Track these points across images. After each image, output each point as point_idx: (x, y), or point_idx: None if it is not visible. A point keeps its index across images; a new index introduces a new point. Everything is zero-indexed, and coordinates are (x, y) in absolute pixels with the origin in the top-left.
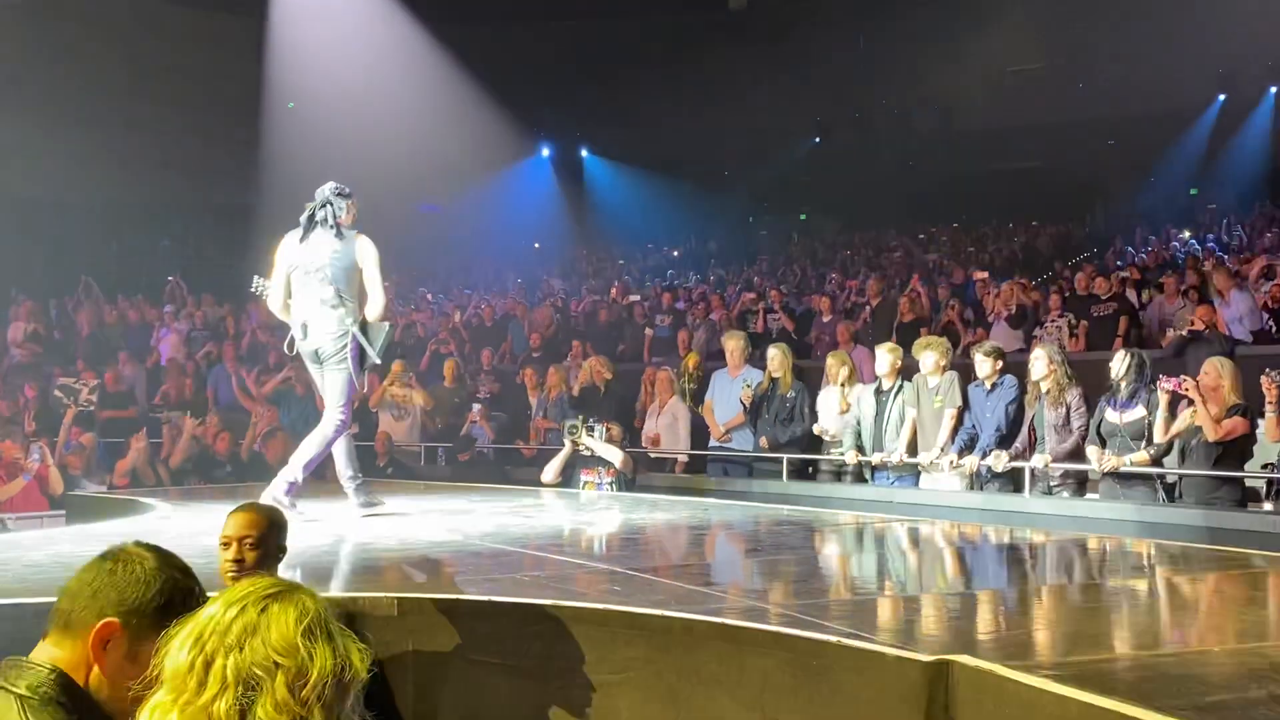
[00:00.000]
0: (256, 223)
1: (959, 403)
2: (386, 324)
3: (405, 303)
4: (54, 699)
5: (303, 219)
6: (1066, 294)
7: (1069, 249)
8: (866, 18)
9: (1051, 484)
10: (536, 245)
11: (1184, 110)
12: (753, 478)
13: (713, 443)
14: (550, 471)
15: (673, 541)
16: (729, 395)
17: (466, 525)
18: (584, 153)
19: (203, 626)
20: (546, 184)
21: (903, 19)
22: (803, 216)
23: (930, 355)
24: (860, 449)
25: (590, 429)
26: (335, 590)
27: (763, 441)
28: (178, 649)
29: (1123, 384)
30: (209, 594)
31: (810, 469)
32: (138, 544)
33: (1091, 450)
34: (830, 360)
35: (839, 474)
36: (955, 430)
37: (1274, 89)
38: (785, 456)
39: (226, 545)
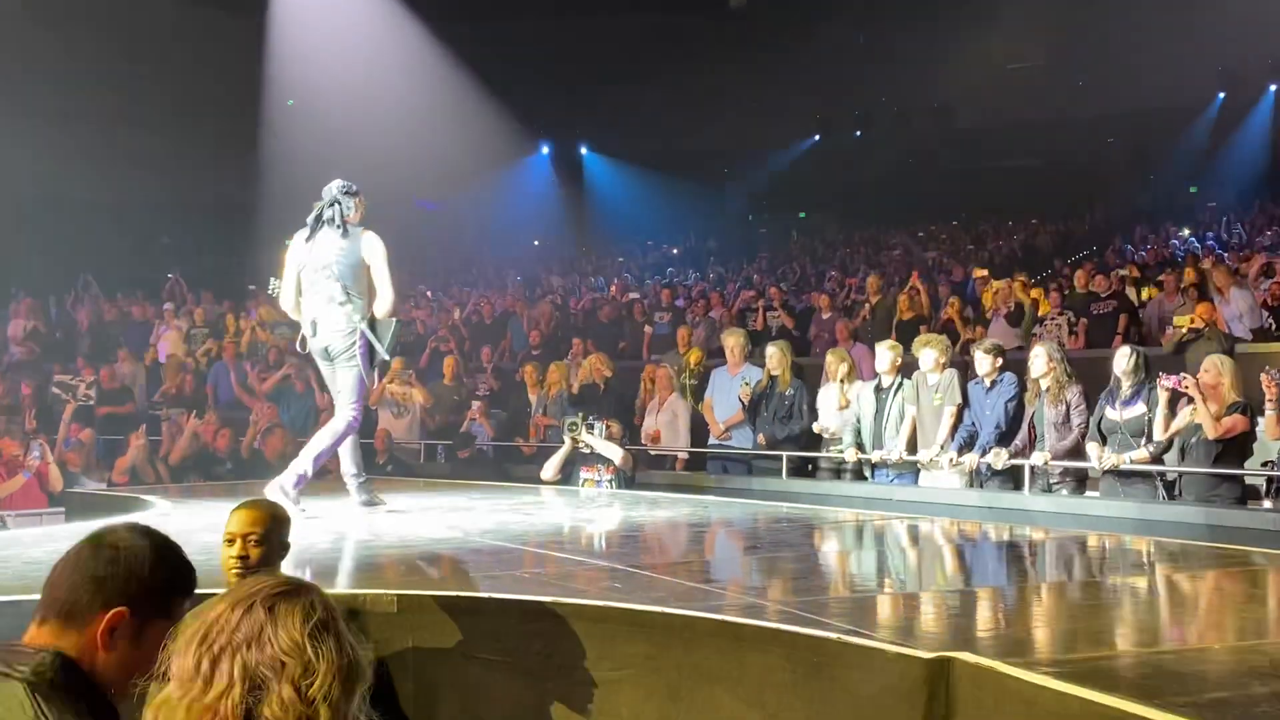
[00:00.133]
0: (256, 220)
1: (959, 400)
2: (395, 320)
3: (404, 300)
4: (61, 684)
5: (310, 218)
6: (1066, 292)
7: (1069, 246)
8: (866, 15)
9: (1051, 481)
10: (536, 242)
11: (1184, 108)
12: (752, 475)
13: (712, 440)
14: (550, 469)
15: (672, 539)
16: (728, 393)
17: (466, 522)
18: (584, 150)
19: (209, 625)
20: (546, 181)
21: (902, 17)
22: (802, 214)
23: (930, 353)
24: (860, 446)
25: (590, 426)
26: (336, 587)
27: (761, 439)
28: (185, 647)
29: (1126, 381)
30: (214, 591)
31: (810, 466)
32: (126, 527)
33: (1092, 448)
34: (830, 357)
35: (839, 471)
36: (955, 428)
37: (1274, 87)
38: (785, 454)
39: (230, 542)
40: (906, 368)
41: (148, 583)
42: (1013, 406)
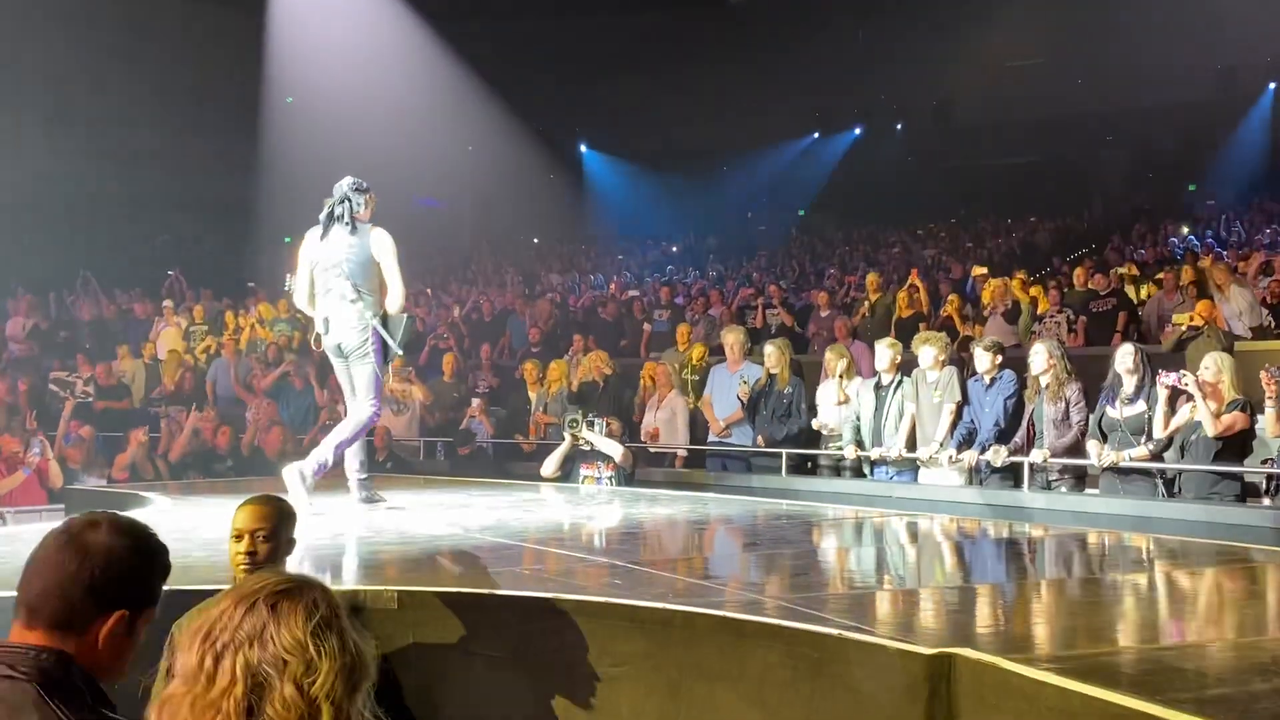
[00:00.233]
0: (256, 218)
1: (958, 398)
2: (406, 316)
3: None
4: (69, 684)
5: (322, 215)
6: (1065, 289)
7: (1068, 244)
8: (865, 13)
9: (1050, 479)
10: (536, 240)
11: (1183, 106)
12: (751, 472)
13: (711, 437)
14: (550, 465)
15: (672, 536)
16: (727, 390)
17: (466, 519)
18: (583, 148)
19: (213, 622)
20: (546, 179)
21: (901, 14)
22: (801, 212)
23: (929, 350)
24: (859, 444)
25: (591, 423)
26: (336, 584)
27: (760, 441)
28: (188, 644)
29: (1128, 379)
30: (219, 588)
31: (809, 464)
32: (104, 527)
33: (1092, 445)
34: (828, 354)
35: (838, 469)
36: (954, 425)
37: (1273, 85)
38: (784, 452)
39: (239, 538)
40: (906, 365)
41: (138, 581)
42: (1012, 404)
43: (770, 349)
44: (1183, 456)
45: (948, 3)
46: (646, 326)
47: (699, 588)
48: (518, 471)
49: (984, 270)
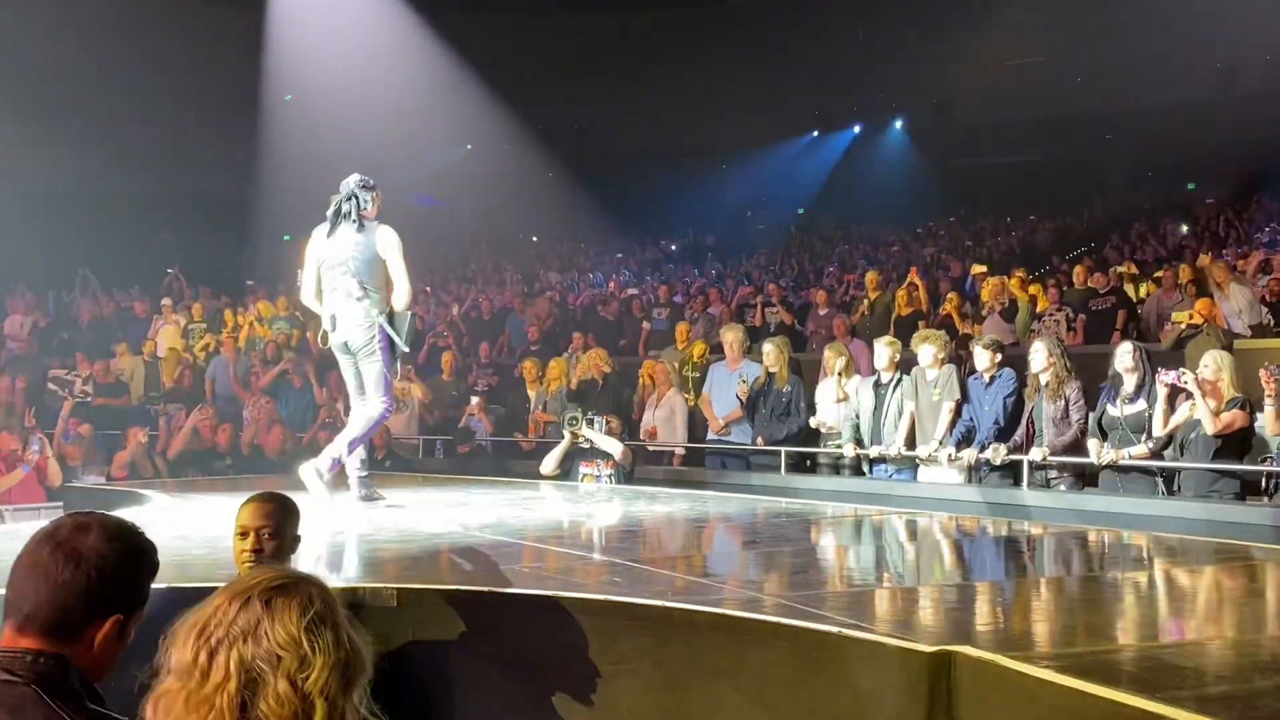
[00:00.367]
0: (254, 216)
1: (957, 396)
2: (410, 313)
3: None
4: (66, 686)
5: (329, 213)
6: (1064, 288)
7: (1067, 243)
8: (865, 11)
9: (1049, 477)
10: (535, 239)
11: (1182, 104)
12: (751, 470)
13: (711, 435)
14: (549, 463)
15: (672, 533)
16: (726, 388)
17: (466, 517)
18: (583, 146)
19: (207, 619)
20: (545, 177)
21: (901, 12)
22: (800, 210)
23: (928, 348)
24: (859, 442)
25: (590, 421)
26: (336, 581)
27: (760, 441)
28: (183, 640)
29: (1128, 377)
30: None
31: (808, 462)
32: (99, 531)
33: (1092, 443)
34: (827, 352)
35: (837, 467)
36: (953, 423)
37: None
38: (783, 449)
39: (244, 535)
40: (905, 363)
41: (131, 585)
42: (1011, 402)
43: (769, 347)
44: (1182, 455)
45: (947, 2)
46: (645, 325)
47: (699, 586)
48: (517, 469)
49: (983, 268)
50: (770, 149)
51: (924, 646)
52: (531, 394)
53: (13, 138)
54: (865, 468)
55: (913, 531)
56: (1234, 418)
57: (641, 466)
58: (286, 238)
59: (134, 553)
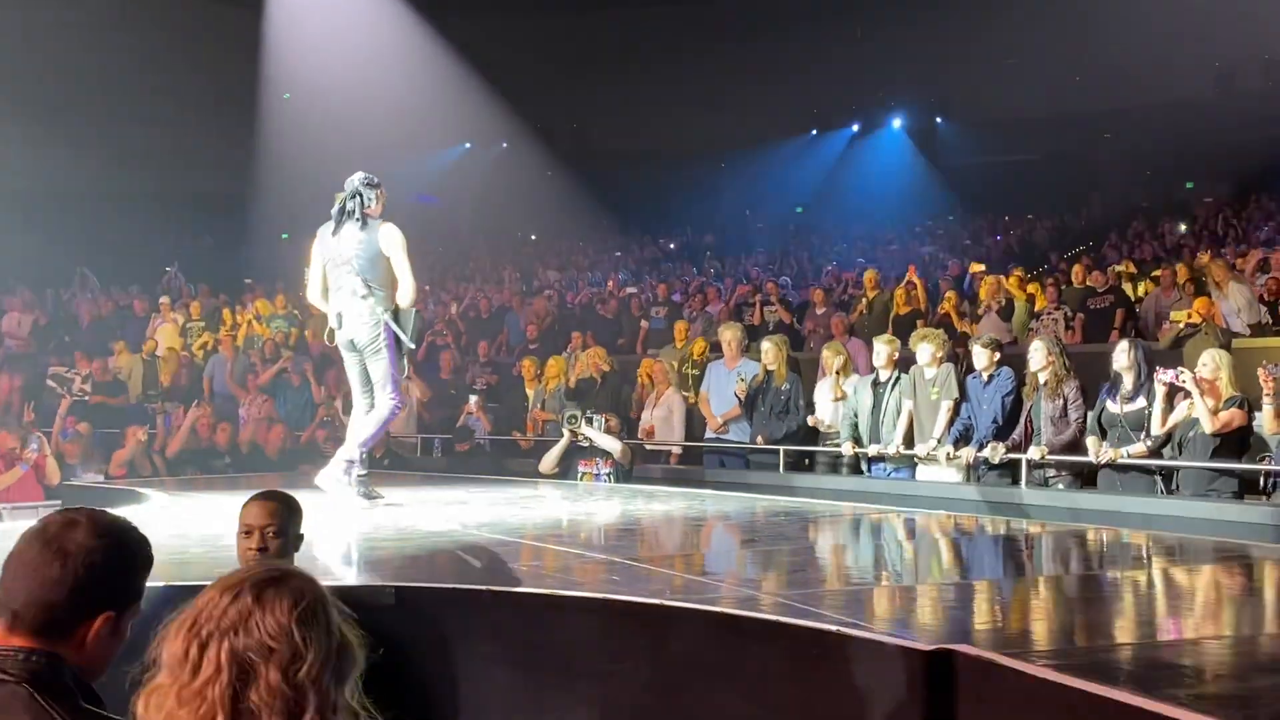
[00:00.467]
0: (253, 214)
1: (955, 394)
2: (414, 310)
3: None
4: (59, 685)
5: (334, 211)
6: (1063, 287)
7: (1065, 242)
8: (864, 10)
9: (1047, 476)
10: (533, 237)
11: (1181, 103)
12: (749, 469)
13: (709, 434)
14: (548, 461)
15: (670, 532)
16: (725, 387)
17: (464, 516)
18: (582, 145)
19: (198, 612)
20: (543, 176)
21: (900, 11)
22: (799, 209)
23: (927, 347)
24: (857, 441)
25: (589, 420)
26: (334, 580)
27: (760, 441)
28: (174, 634)
29: (1127, 375)
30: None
31: (807, 461)
32: (88, 527)
33: (1091, 441)
34: (825, 351)
35: (835, 466)
36: (951, 422)
37: (1271, 82)
38: (782, 448)
39: (249, 534)
40: (903, 362)
41: (122, 581)
42: (1010, 401)
43: (768, 346)
44: (1180, 453)
45: (946, 1)
46: (644, 323)
47: (697, 584)
48: (515, 468)
49: (982, 267)
50: (769, 148)
51: (922, 645)
52: (530, 393)
53: (12, 137)
54: (864, 466)
55: (911, 530)
56: (1232, 416)
57: (640, 465)
58: (285, 236)
59: (123, 548)
